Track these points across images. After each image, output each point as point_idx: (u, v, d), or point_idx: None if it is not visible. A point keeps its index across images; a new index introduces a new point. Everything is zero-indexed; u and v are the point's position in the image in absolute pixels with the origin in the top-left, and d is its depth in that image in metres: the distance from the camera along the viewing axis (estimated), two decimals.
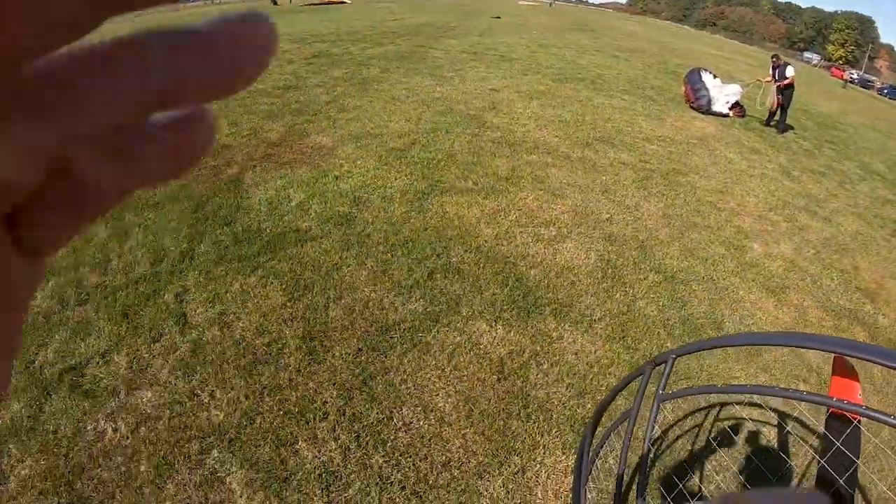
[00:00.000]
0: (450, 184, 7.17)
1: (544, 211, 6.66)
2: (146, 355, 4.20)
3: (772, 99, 15.40)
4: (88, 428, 3.61)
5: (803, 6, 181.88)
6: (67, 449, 3.47)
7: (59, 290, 5.11)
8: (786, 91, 14.87)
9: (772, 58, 15.91)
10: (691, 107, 14.79)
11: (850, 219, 9.45)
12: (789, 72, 14.67)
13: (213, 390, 3.87)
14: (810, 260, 7.12)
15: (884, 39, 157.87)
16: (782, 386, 3.69)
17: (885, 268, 7.90)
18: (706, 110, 14.66)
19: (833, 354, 1.96)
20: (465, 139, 9.08)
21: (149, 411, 3.72)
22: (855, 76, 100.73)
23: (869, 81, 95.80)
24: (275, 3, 78.54)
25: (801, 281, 6.47)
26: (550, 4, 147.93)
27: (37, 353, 4.30)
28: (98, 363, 4.13)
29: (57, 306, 4.85)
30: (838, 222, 9.07)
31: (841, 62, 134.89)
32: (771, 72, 15.44)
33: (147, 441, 3.51)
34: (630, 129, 11.37)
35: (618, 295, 5.33)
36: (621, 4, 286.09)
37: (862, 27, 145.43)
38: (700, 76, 15.40)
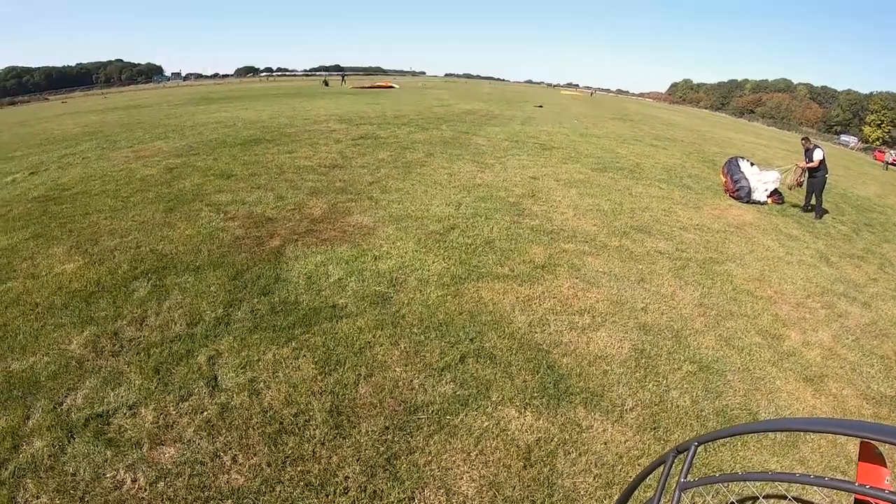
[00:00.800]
0: (487, 269, 7.29)
1: (579, 299, 6.72)
2: (173, 412, 4.33)
3: (791, 179, 15.58)
4: (108, 475, 3.72)
5: (839, 89, 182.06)
6: (84, 493, 3.58)
7: (95, 338, 5.33)
8: (816, 174, 14.88)
9: (802, 140, 15.99)
10: (731, 196, 14.79)
11: (890, 303, 9.23)
12: (817, 154, 14.77)
13: (235, 454, 3.96)
14: (849, 347, 6.99)
15: None
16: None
17: None
18: (746, 199, 14.66)
19: (860, 440, 1.98)
20: (504, 226, 9.28)
21: (169, 467, 3.82)
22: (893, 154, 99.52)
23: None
24: (326, 84, 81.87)
25: (839, 369, 6.37)
26: (592, 94, 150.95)
27: (66, 396, 4.48)
28: (125, 414, 4.28)
29: (91, 354, 5.07)
30: (878, 307, 8.85)
31: (878, 143, 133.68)
32: (805, 155, 15.49)
33: (164, 496, 3.60)
34: (667, 217, 11.46)
35: (650, 385, 5.33)
36: (661, 93, 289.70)
37: None
38: (738, 165, 15.50)
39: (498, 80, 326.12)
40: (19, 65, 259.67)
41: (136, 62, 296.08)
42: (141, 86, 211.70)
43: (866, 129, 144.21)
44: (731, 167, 15.47)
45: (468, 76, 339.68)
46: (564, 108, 50.67)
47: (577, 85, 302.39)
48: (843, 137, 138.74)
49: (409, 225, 8.90)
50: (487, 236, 8.64)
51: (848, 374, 6.29)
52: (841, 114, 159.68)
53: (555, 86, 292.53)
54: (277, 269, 6.89)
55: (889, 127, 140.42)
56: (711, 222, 11.79)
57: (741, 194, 14.67)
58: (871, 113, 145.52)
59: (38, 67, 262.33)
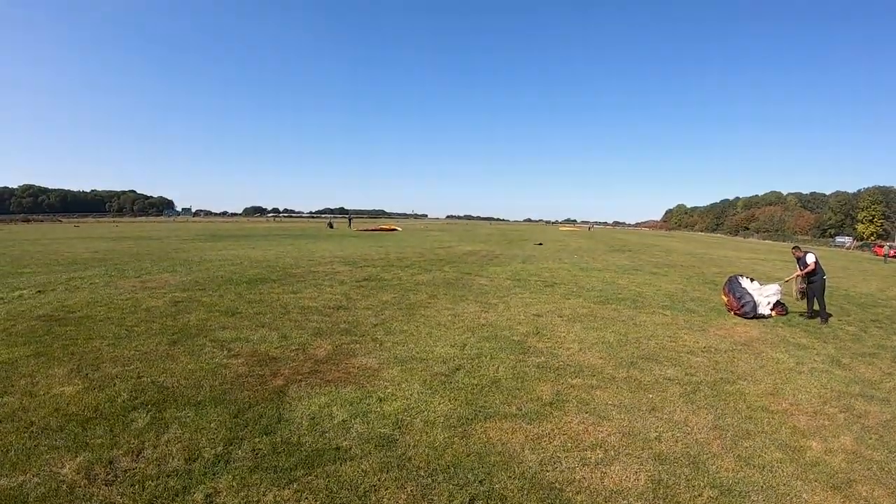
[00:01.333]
0: (494, 409, 7.21)
1: (590, 434, 6.62)
2: None
3: (795, 290, 15.83)
4: None
5: (828, 193, 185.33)
6: None
7: (89, 465, 5.24)
8: (814, 278, 15.18)
9: (793, 250, 16.35)
10: (736, 314, 14.84)
11: None
12: (809, 259, 15.29)
13: None
14: (874, 447, 6.81)
15: None
16: None
17: None
18: (752, 315, 14.69)
19: None
20: (510, 364, 9.23)
21: None
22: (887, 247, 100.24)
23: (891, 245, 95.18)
24: (331, 227, 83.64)
25: (867, 471, 6.19)
26: (590, 228, 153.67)
27: None
28: None
29: (83, 480, 4.97)
30: None
31: (873, 238, 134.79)
32: (797, 264, 15.75)
33: None
34: (673, 343, 11.42)
35: None
36: (656, 221, 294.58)
37: (887, 199, 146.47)
38: (738, 282, 15.73)
39: (498, 220, 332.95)
40: (36, 183, 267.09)
41: (148, 194, 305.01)
42: (152, 218, 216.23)
43: (860, 227, 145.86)
44: (732, 286, 15.64)
45: (469, 217, 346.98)
46: (564, 244, 51.60)
47: (575, 220, 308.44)
48: (839, 239, 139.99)
49: (414, 366, 8.87)
50: (493, 376, 8.58)
51: (876, 475, 6.12)
52: (832, 216, 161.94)
53: (553, 223, 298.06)
54: (280, 409, 6.82)
55: (881, 220, 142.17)
56: (718, 343, 11.75)
57: (747, 310, 14.74)
58: (862, 210, 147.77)
59: (54, 189, 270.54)
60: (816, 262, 15.34)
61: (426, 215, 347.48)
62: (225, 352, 9.33)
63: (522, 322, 12.57)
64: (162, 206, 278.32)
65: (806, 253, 15.69)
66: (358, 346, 9.98)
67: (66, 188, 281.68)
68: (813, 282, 15.28)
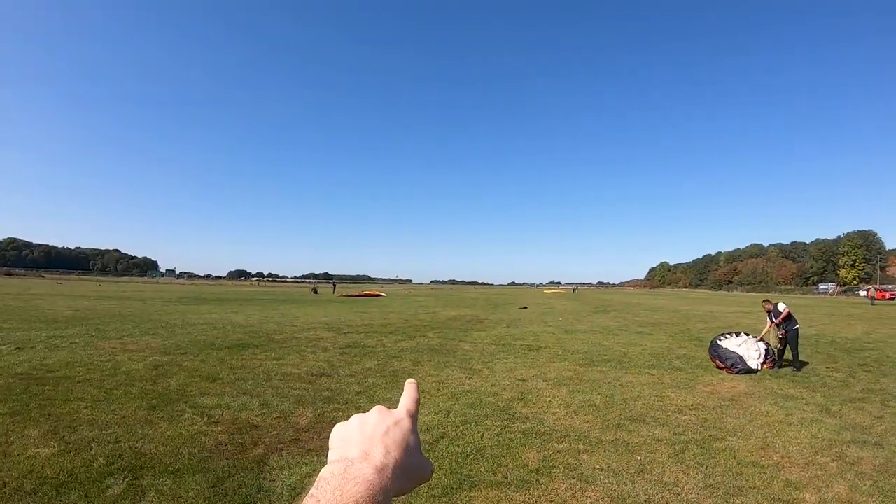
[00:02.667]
0: (479, 478, 7.04)
1: (577, 500, 6.46)
2: None
3: (774, 341, 15.89)
4: None
5: (808, 242, 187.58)
6: None
7: None
8: (788, 326, 15.40)
9: (763, 303, 16.64)
10: (728, 373, 14.71)
11: None
12: (781, 307, 15.66)
13: None
14: (868, 493, 6.73)
15: (890, 246, 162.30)
16: None
17: None
18: (746, 371, 14.70)
19: None
20: (495, 431, 9.05)
21: None
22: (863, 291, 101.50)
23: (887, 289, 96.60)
24: (315, 292, 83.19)
25: None
26: (574, 290, 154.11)
27: None
28: None
29: None
30: (890, 443, 8.79)
31: (856, 282, 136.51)
32: (768, 317, 15.93)
33: None
34: (661, 403, 11.29)
35: None
36: (640, 280, 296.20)
37: (866, 242, 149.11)
38: (718, 345, 15.84)
39: (483, 284, 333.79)
40: (20, 237, 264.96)
41: (133, 254, 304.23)
42: (136, 278, 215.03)
43: (842, 272, 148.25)
44: (714, 350, 15.79)
45: (454, 282, 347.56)
46: (548, 306, 51.66)
47: (560, 283, 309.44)
48: (822, 286, 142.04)
49: None
50: (478, 443, 8.40)
51: None
52: (814, 264, 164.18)
53: (538, 285, 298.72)
54: (260, 479, 6.62)
55: (862, 264, 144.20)
56: (706, 400, 11.65)
57: (739, 367, 14.73)
58: (843, 255, 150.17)
59: (38, 244, 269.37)
60: (790, 312, 15.58)
61: (410, 280, 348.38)
62: (205, 418, 9.14)
63: (507, 387, 12.40)
64: (146, 267, 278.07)
65: (776, 304, 15.90)
66: (340, 414, 9.76)
67: (51, 244, 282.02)
68: (788, 330, 15.39)
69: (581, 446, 8.41)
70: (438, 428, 9.13)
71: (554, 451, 8.18)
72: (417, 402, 0.89)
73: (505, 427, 9.31)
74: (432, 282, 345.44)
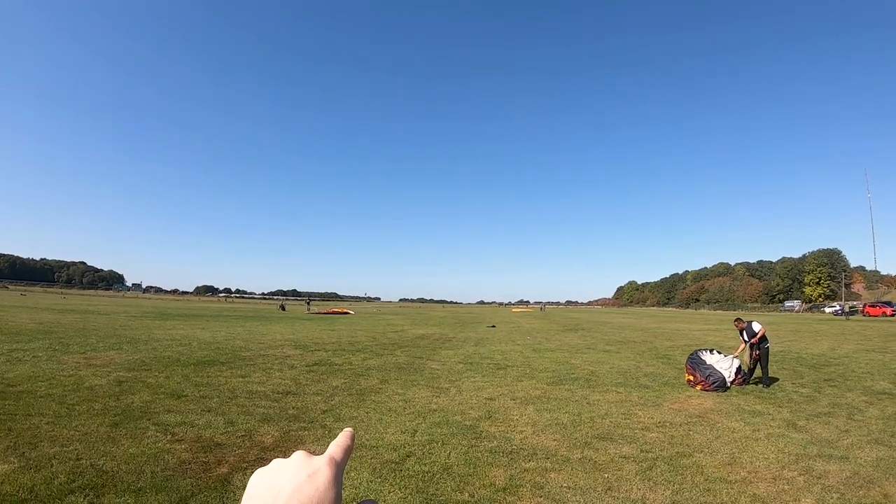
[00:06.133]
0: (445, 497, 6.92)
1: None
2: None
3: (748, 359, 15.99)
4: None
5: (774, 260, 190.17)
6: None
7: None
8: (762, 345, 15.53)
9: (735, 322, 16.78)
10: (704, 390, 14.73)
11: (867, 449, 9.32)
12: (756, 327, 15.82)
13: None
14: None
15: (854, 263, 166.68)
16: None
17: None
18: (724, 388, 14.75)
19: None
20: (462, 450, 8.91)
21: None
22: (837, 307, 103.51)
23: (851, 306, 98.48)
24: (283, 309, 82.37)
25: None
26: (542, 308, 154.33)
27: None
28: None
29: None
30: (856, 456, 8.87)
31: (821, 299, 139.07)
32: (740, 336, 16.04)
33: None
34: (628, 420, 11.25)
35: None
36: (609, 299, 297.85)
37: (831, 260, 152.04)
38: (701, 358, 15.76)
39: (452, 302, 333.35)
40: None
41: (98, 267, 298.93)
42: (101, 291, 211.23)
43: (807, 290, 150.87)
44: (694, 363, 15.65)
45: (422, 300, 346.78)
46: (517, 325, 51.70)
47: (528, 301, 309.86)
48: (788, 304, 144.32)
49: (364, 454, 8.50)
50: (445, 462, 8.27)
51: None
52: (780, 282, 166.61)
53: (506, 304, 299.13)
54: (224, 498, 6.44)
55: (827, 281, 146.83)
56: (673, 417, 11.64)
57: (718, 385, 14.74)
58: (808, 273, 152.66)
59: (3, 254, 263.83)
60: (763, 328, 15.70)
61: (379, 298, 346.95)
62: (169, 436, 8.91)
63: (474, 406, 12.29)
64: (112, 280, 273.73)
65: (751, 322, 16.03)
66: (306, 432, 9.59)
67: (16, 254, 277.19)
68: (760, 348, 15.52)
69: (548, 465, 8.32)
70: (405, 447, 8.98)
71: (521, 469, 8.09)
72: (347, 451, 0.78)
73: (472, 446, 9.19)
74: (401, 300, 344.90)
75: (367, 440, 9.33)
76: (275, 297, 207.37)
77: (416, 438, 9.53)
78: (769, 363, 15.88)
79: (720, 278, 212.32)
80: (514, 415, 11.58)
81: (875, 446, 9.52)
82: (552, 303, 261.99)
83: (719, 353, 16.05)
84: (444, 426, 10.42)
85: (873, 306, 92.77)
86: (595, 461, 8.52)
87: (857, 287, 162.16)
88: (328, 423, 10.28)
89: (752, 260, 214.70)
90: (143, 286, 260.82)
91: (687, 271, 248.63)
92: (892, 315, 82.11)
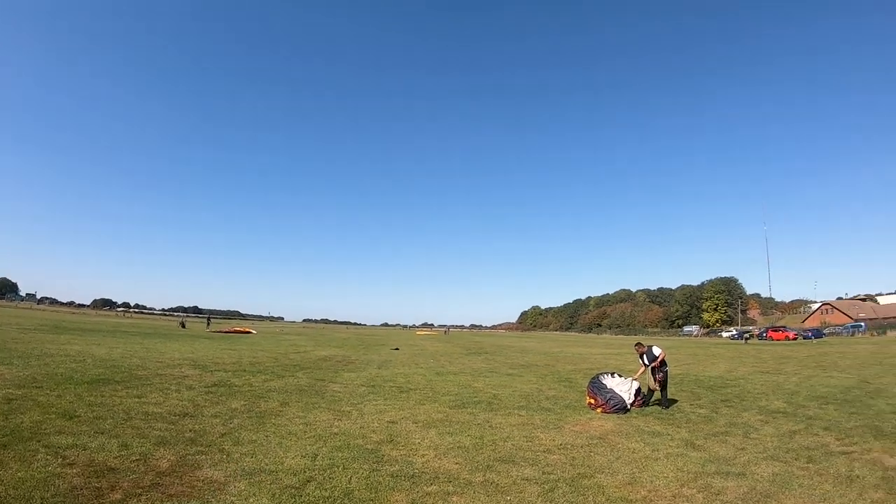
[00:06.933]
0: None
1: None
2: None
3: (650, 380, 16.17)
4: None
5: (674, 287, 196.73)
6: None
7: None
8: (662, 368, 15.88)
9: (635, 347, 17.16)
10: (605, 412, 14.83)
11: (763, 465, 9.62)
12: (656, 351, 16.11)
13: None
14: None
15: (750, 290, 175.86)
16: None
17: (811, 495, 8.07)
18: (625, 410, 14.92)
19: None
20: (363, 474, 8.64)
21: None
22: (734, 332, 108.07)
23: (747, 331, 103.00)
24: (183, 326, 79.75)
25: None
26: (446, 332, 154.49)
27: None
28: None
29: None
30: (753, 473, 9.14)
31: (718, 324, 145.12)
32: (640, 360, 16.31)
33: None
34: (530, 443, 11.20)
35: None
36: (512, 323, 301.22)
37: (728, 287, 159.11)
38: (601, 382, 15.92)
39: (356, 324, 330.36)
40: None
41: None
42: None
43: (705, 315, 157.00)
44: (595, 387, 15.83)
45: (326, 321, 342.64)
46: (420, 348, 51.65)
47: (433, 324, 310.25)
48: (686, 328, 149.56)
49: (263, 479, 8.13)
50: (346, 487, 8.00)
51: None
52: (679, 308, 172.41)
53: (411, 327, 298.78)
54: None
55: (724, 307, 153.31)
56: (574, 439, 11.68)
57: (618, 408, 14.89)
58: (706, 300, 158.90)
59: None
60: (663, 352, 16.12)
61: (283, 318, 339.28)
62: (59, 459, 8.31)
63: (376, 429, 12.03)
64: (5, 289, 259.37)
65: (651, 347, 16.37)
66: (204, 457, 9.11)
67: None
68: (661, 371, 15.81)
69: (450, 488, 8.16)
70: (305, 472, 8.65)
71: (423, 493, 7.90)
72: None
73: (374, 470, 8.93)
74: (305, 320, 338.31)
75: (267, 465, 8.95)
76: (175, 314, 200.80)
77: (317, 463, 9.21)
78: (668, 385, 16.22)
79: (622, 304, 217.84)
80: (417, 438, 11.38)
81: (771, 462, 9.84)
82: (456, 326, 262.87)
83: (620, 376, 16.28)
84: (346, 450, 10.12)
85: (776, 330, 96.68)
86: (497, 484, 8.41)
87: (753, 313, 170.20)
88: (226, 447, 9.83)
89: (653, 287, 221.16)
90: (38, 296, 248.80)
91: (590, 297, 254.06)
92: (795, 339, 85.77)
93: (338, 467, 8.97)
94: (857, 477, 8.99)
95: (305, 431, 11.52)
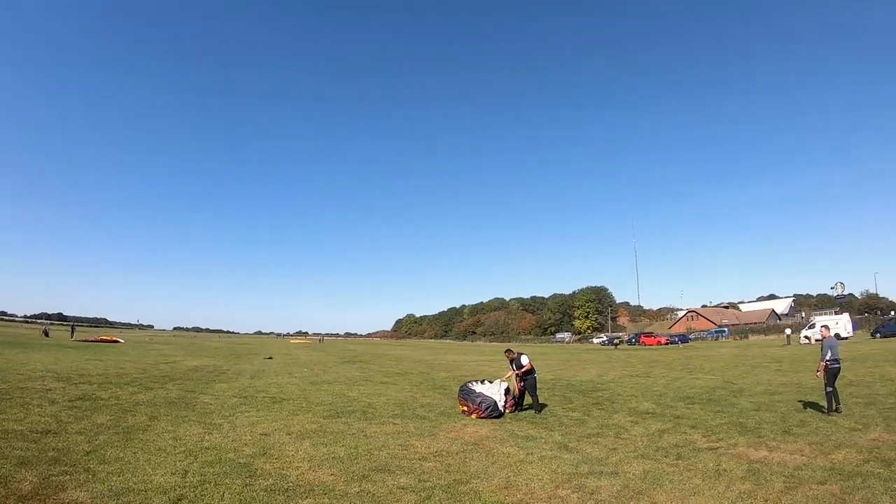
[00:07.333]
0: None
1: None
2: None
3: (513, 385, 16.52)
4: None
5: (546, 296, 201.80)
6: None
7: None
8: (528, 377, 16.32)
9: (505, 353, 17.49)
10: (479, 417, 14.97)
11: (634, 464, 9.97)
12: (524, 360, 16.48)
13: None
14: None
15: (620, 299, 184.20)
16: None
17: (681, 489, 8.41)
18: (497, 414, 15.10)
19: None
20: (236, 490, 8.32)
21: None
22: (604, 338, 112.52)
23: (617, 337, 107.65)
24: (46, 335, 75.02)
25: None
26: (321, 340, 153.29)
27: None
28: None
29: None
30: (625, 471, 9.46)
31: (589, 331, 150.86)
32: (511, 365, 16.61)
33: None
34: (405, 451, 11.15)
35: None
36: (387, 331, 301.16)
37: (599, 296, 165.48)
38: (471, 388, 16.06)
39: (228, 332, 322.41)
40: None
41: None
42: None
43: (577, 323, 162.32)
44: (465, 393, 15.99)
45: (198, 330, 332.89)
46: (294, 357, 50.90)
47: (307, 332, 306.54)
48: (559, 335, 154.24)
49: (132, 500, 7.67)
50: (218, 503, 7.70)
51: None
52: (552, 316, 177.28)
53: (285, 335, 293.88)
54: None
55: (595, 315, 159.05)
56: (449, 446, 11.71)
57: (491, 411, 15.09)
58: (578, 308, 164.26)
59: None
60: (530, 362, 16.46)
61: (152, 326, 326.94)
62: None
63: (249, 443, 11.64)
64: None
65: (519, 355, 16.76)
66: (68, 477, 8.50)
67: None
68: (527, 379, 16.40)
69: (326, 500, 7.99)
70: (176, 489, 8.23)
71: None
72: None
73: (247, 485, 8.61)
74: (175, 328, 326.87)
75: (135, 484, 8.45)
76: (38, 321, 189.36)
77: (188, 479, 8.78)
78: (539, 390, 16.56)
79: (495, 312, 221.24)
80: (290, 450, 11.10)
81: (641, 461, 10.23)
82: (331, 334, 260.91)
83: (489, 382, 16.46)
84: (217, 465, 9.73)
85: (648, 336, 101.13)
86: (373, 494, 8.30)
87: (623, 320, 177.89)
88: (92, 466, 9.23)
89: (526, 296, 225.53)
90: None
91: (464, 305, 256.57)
92: (666, 343, 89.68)
93: (209, 483, 8.60)
94: (725, 471, 9.48)
95: (175, 446, 11.01)
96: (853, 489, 8.19)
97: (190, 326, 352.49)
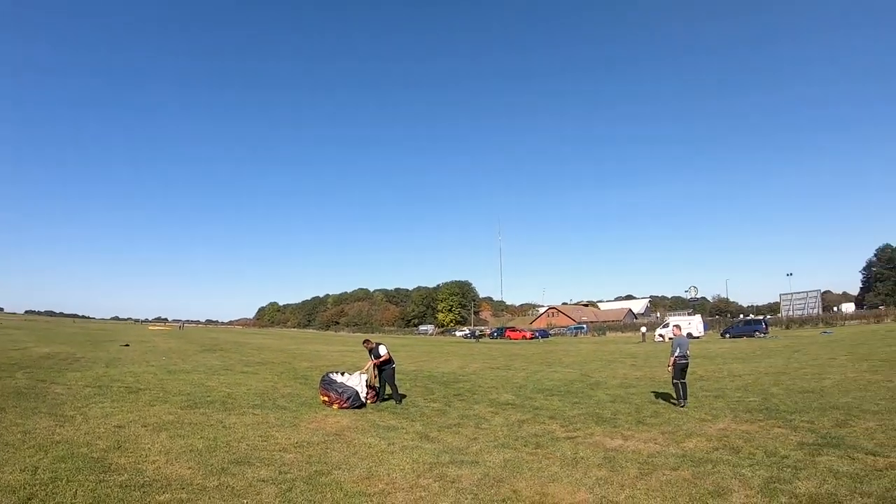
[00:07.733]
0: None
1: None
2: None
3: (370, 376, 16.66)
4: None
5: (410, 288, 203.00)
6: None
7: None
8: (385, 367, 16.52)
9: (364, 343, 17.66)
10: (342, 408, 14.99)
11: (494, 453, 10.30)
12: (382, 350, 16.68)
13: None
14: None
15: (483, 293, 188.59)
16: None
17: (540, 476, 8.78)
18: (359, 404, 15.21)
19: None
20: (90, 487, 7.99)
21: None
22: (467, 331, 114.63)
23: (479, 330, 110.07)
24: None
25: None
26: (181, 327, 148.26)
27: None
28: None
29: None
30: (485, 460, 9.78)
31: (452, 324, 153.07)
32: (369, 355, 16.76)
33: None
34: (265, 443, 11.06)
35: None
36: (249, 319, 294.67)
37: (462, 290, 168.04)
38: (332, 379, 16.06)
39: (84, 317, 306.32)
40: None
41: None
42: None
43: (440, 316, 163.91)
44: (326, 384, 15.95)
45: (52, 314, 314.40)
46: (152, 344, 49.08)
47: (167, 319, 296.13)
48: (422, 327, 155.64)
49: None
50: (71, 502, 7.39)
51: None
52: (416, 308, 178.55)
53: (143, 321, 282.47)
54: None
55: (458, 309, 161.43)
56: (310, 437, 11.71)
57: (353, 402, 15.20)
58: (441, 301, 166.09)
59: None
60: (388, 352, 16.64)
61: (1, 309, 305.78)
62: None
63: (102, 436, 11.18)
64: None
65: (378, 345, 16.96)
66: None
67: None
68: (385, 369, 16.57)
69: (184, 495, 7.83)
70: (25, 488, 7.83)
71: (155, 503, 7.53)
72: None
73: (101, 481, 8.30)
74: (27, 312, 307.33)
75: None
76: None
77: (38, 477, 8.37)
78: (401, 382, 16.76)
79: (360, 302, 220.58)
80: (146, 443, 10.76)
81: (501, 450, 10.60)
82: (191, 321, 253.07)
83: (349, 373, 16.52)
84: (70, 460, 9.31)
85: (513, 330, 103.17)
86: (233, 487, 8.22)
87: (485, 314, 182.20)
88: None
89: (390, 287, 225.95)
90: None
91: (328, 294, 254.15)
92: (531, 338, 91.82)
93: (61, 480, 8.25)
94: (582, 458, 9.98)
95: (24, 441, 10.46)
96: (704, 474, 8.81)
97: (43, 310, 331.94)
